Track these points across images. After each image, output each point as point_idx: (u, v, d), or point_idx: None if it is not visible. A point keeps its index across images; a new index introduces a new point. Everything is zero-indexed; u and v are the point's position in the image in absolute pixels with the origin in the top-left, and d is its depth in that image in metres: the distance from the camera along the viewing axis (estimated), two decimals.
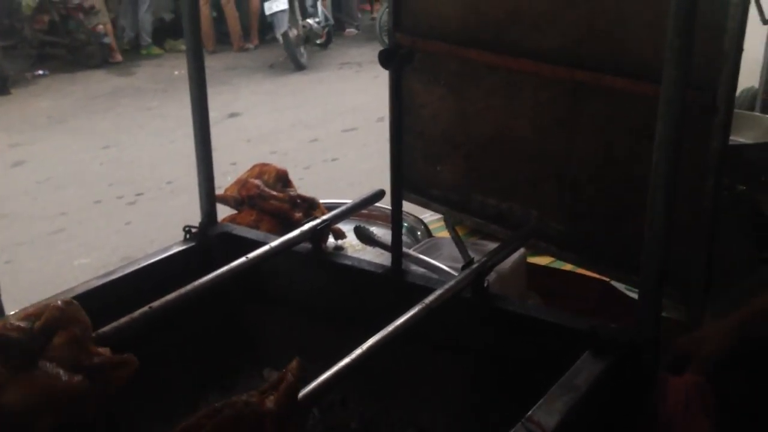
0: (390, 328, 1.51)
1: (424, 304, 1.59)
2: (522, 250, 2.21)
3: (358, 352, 1.42)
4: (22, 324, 1.24)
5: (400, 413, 1.92)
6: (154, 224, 5.27)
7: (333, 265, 1.99)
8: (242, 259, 1.83)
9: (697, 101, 1.63)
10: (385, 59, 1.71)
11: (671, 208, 1.39)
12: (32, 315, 1.28)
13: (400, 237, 1.89)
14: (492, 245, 2.13)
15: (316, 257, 2.00)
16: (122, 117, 7.90)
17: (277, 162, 2.72)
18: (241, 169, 2.63)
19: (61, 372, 1.26)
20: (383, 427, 1.90)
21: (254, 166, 2.52)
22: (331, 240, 2.27)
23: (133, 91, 8.93)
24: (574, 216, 2.35)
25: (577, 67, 2.20)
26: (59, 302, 1.30)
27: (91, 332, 1.38)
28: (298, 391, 1.23)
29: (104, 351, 1.38)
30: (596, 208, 2.30)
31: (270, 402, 1.16)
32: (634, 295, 2.25)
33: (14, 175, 6.09)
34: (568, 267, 2.40)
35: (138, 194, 5.90)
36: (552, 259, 2.45)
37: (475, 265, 1.73)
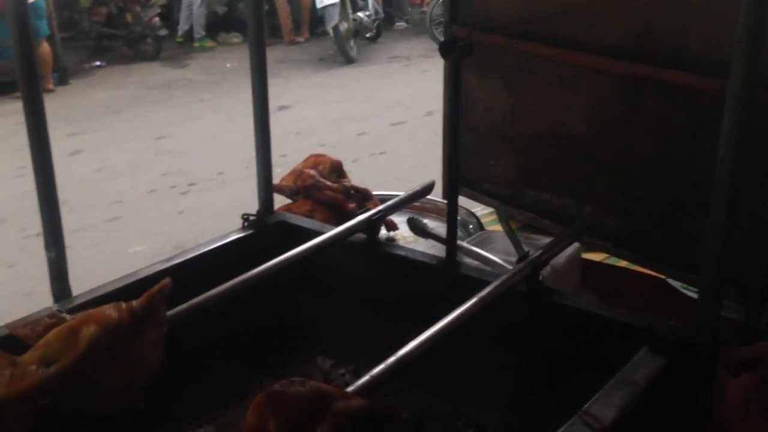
0: (444, 321, 1.52)
1: (478, 297, 1.59)
2: (576, 246, 2.19)
3: (411, 345, 1.43)
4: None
5: (450, 406, 1.92)
6: (205, 214, 5.38)
7: (387, 256, 2.00)
8: (298, 248, 1.86)
9: (764, 98, 1.59)
10: (444, 51, 1.72)
11: (734, 207, 1.36)
12: None
13: (455, 228, 1.89)
14: (545, 240, 2.12)
15: (370, 248, 2.02)
16: (176, 108, 8.07)
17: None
18: (291, 162, 2.67)
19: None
20: (434, 421, 1.91)
21: (309, 157, 2.55)
22: (383, 232, 2.29)
23: (186, 83, 9.11)
24: (630, 213, 2.32)
25: (636, 62, 2.17)
26: None
27: None
28: None
29: None
30: (653, 205, 2.27)
31: None
32: (691, 294, 2.22)
33: (72, 164, 6.28)
34: (623, 264, 2.37)
35: (190, 184, 6.02)
36: (606, 255, 2.42)
37: (530, 259, 1.72)
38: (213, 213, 5.31)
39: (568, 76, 2.39)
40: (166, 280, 1.43)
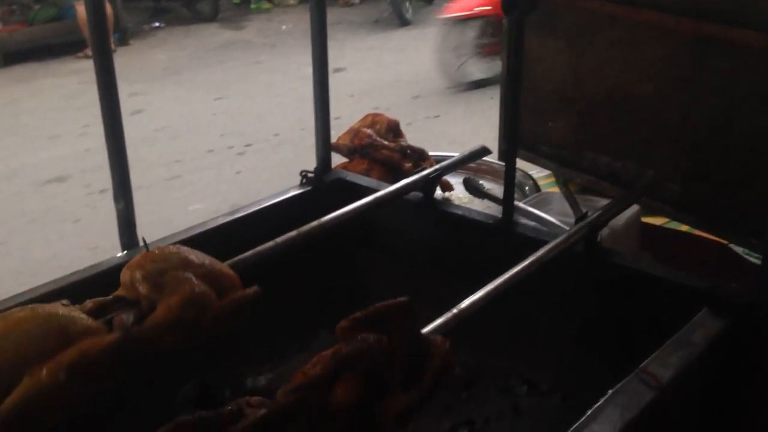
0: (499, 280, 1.52)
1: (534, 257, 1.59)
2: (636, 208, 2.16)
3: (466, 302, 1.43)
4: None
5: (504, 365, 1.94)
6: (261, 174, 5.47)
7: (443, 215, 2.01)
8: (355, 204, 1.88)
9: None
10: (507, 6, 1.69)
11: None
12: None
13: (512, 187, 1.89)
14: (604, 202, 2.10)
15: (426, 206, 2.03)
16: (233, 70, 8.16)
17: None
18: (345, 124, 2.69)
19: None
20: (487, 378, 1.93)
21: (366, 116, 2.56)
22: (438, 192, 2.29)
23: (243, 45, 9.19)
24: (692, 177, 2.27)
25: (703, 20, 2.10)
26: None
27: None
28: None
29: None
30: (716, 169, 2.21)
31: None
32: (753, 259, 2.17)
33: (133, 123, 6.42)
34: (684, 228, 2.33)
35: (247, 145, 6.11)
36: (667, 220, 2.38)
37: (588, 219, 1.71)
38: (269, 173, 5.40)
39: (632, 35, 2.33)
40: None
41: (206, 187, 5.42)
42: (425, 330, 1.36)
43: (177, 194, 5.31)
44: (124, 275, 1.35)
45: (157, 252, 1.36)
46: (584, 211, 1.76)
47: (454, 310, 1.41)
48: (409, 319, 1.26)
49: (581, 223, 1.70)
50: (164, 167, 5.67)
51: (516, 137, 1.87)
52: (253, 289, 1.49)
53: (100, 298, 1.33)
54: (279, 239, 1.71)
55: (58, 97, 7.16)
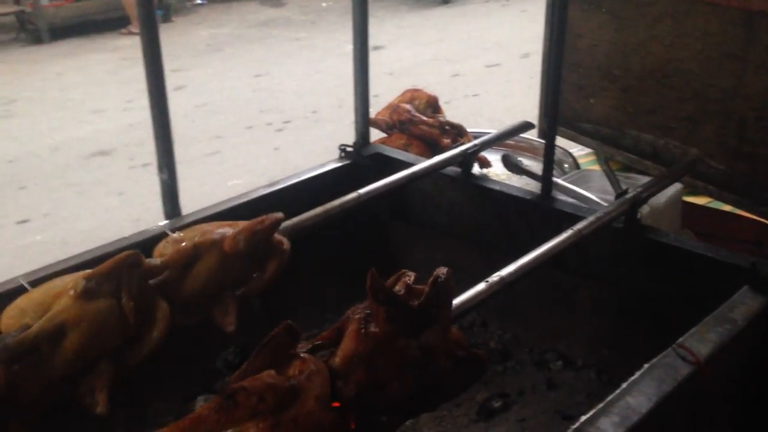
0: (537, 252, 1.51)
1: (573, 230, 1.59)
2: (678, 186, 2.13)
3: (502, 273, 1.43)
4: None
5: (539, 338, 1.94)
6: (299, 151, 5.50)
7: (480, 189, 2.01)
8: (393, 177, 1.89)
9: None
10: None
11: None
12: None
13: (552, 162, 1.87)
14: (646, 180, 2.07)
15: (464, 180, 2.03)
16: (273, 47, 8.19)
17: None
18: (383, 102, 2.69)
19: None
20: (522, 350, 1.94)
21: (406, 92, 2.56)
22: (475, 168, 2.29)
23: (283, 22, 9.20)
24: (738, 156, 2.23)
25: None
26: None
27: None
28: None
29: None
30: (762, 149, 2.17)
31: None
32: None
33: (175, 99, 6.46)
34: (727, 208, 2.29)
35: (286, 122, 6.14)
36: (710, 199, 2.34)
37: (629, 195, 1.69)
38: (307, 150, 5.42)
39: (679, 10, 2.28)
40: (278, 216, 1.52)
41: (245, 162, 5.47)
42: (459, 300, 1.35)
43: (217, 169, 5.37)
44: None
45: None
46: (625, 188, 1.74)
47: (489, 280, 1.40)
48: None
49: (622, 199, 1.69)
50: (205, 142, 5.73)
51: (557, 112, 1.86)
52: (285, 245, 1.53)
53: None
54: (317, 210, 1.73)
55: (102, 72, 7.28)
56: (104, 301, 1.28)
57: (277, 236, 1.57)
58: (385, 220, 2.19)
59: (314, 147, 5.37)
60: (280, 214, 1.58)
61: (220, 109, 6.44)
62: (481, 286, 1.39)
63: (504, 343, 1.96)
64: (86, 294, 1.26)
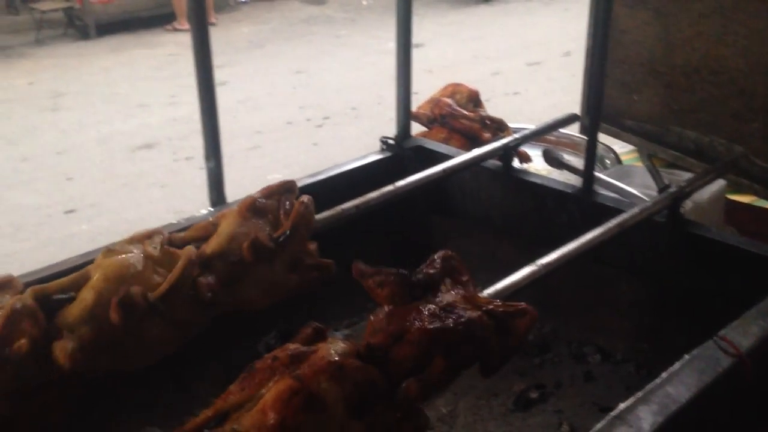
0: (577, 242, 1.51)
1: (615, 223, 1.58)
2: (722, 184, 2.11)
3: (541, 262, 1.43)
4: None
5: (578, 331, 1.94)
6: (338, 146, 5.54)
7: (521, 183, 2.02)
8: (433, 169, 1.90)
9: None
10: None
11: None
12: None
13: (594, 157, 1.87)
14: (689, 176, 2.05)
15: (504, 174, 2.04)
16: (313, 44, 8.26)
17: None
18: (422, 99, 2.70)
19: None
20: (560, 343, 1.94)
21: (447, 86, 2.57)
22: (515, 163, 2.30)
23: (324, 20, 9.28)
24: None
25: None
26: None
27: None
28: None
29: (313, 248, 1.55)
30: None
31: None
32: None
33: (218, 94, 6.60)
34: None
35: (325, 118, 6.20)
36: (754, 198, 2.31)
37: (672, 190, 1.68)
38: (346, 146, 5.46)
39: (726, 6, 2.25)
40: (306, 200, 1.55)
41: (285, 157, 5.54)
42: (494, 288, 1.35)
43: (257, 163, 5.45)
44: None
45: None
46: (667, 183, 1.74)
47: (527, 269, 1.40)
48: None
49: (665, 193, 1.68)
50: (245, 137, 5.81)
51: (601, 104, 1.85)
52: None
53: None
54: (358, 201, 1.75)
55: (147, 67, 7.43)
56: None
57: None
58: (424, 212, 2.21)
59: (353, 143, 5.41)
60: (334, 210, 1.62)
61: (261, 104, 6.53)
62: (519, 275, 1.39)
63: (542, 336, 1.96)
64: None
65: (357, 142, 5.35)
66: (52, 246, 4.10)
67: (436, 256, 1.24)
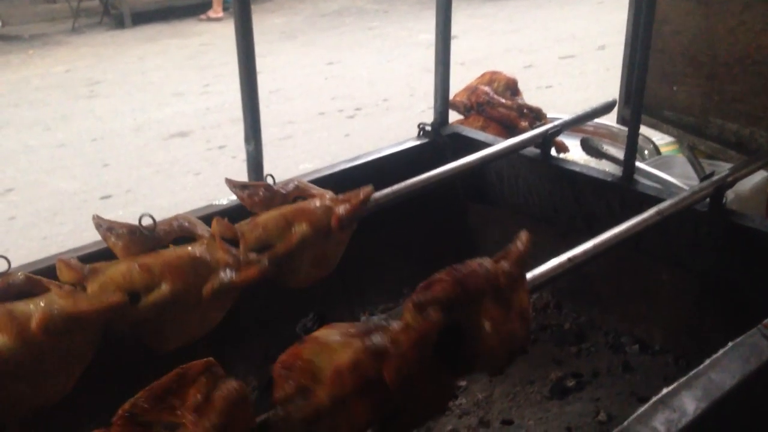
0: (616, 230, 1.49)
1: (655, 211, 1.56)
2: (764, 175, 2.07)
3: (578, 250, 1.40)
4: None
5: (615, 322, 1.93)
6: (370, 138, 5.55)
7: (559, 171, 2.01)
8: (471, 157, 1.89)
9: None
10: None
11: None
12: None
13: (635, 144, 1.85)
14: (729, 167, 2.02)
15: (543, 162, 2.03)
16: (345, 35, 8.27)
17: None
18: (454, 91, 2.68)
19: None
20: (597, 333, 1.93)
21: (485, 74, 2.56)
22: (552, 153, 2.28)
23: (356, 11, 9.29)
24: None
25: None
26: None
27: None
28: (526, 260, 1.27)
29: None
30: None
31: (502, 266, 1.23)
32: None
33: None
34: None
35: (357, 109, 6.21)
36: None
37: (715, 178, 1.66)
38: (377, 137, 5.47)
39: None
40: (369, 189, 1.55)
41: (316, 148, 5.56)
42: (532, 274, 1.34)
43: (289, 153, 5.48)
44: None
45: None
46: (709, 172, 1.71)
47: (565, 257, 1.38)
48: None
49: (707, 182, 1.66)
50: (278, 127, 5.85)
51: (643, 91, 1.83)
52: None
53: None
54: (395, 187, 1.75)
55: (181, 56, 7.51)
56: None
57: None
58: (461, 200, 2.21)
59: (385, 135, 5.42)
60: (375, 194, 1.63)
61: (293, 95, 6.56)
62: (555, 262, 1.37)
63: (579, 326, 1.95)
64: None
65: (388, 133, 5.36)
66: (88, 231, 4.16)
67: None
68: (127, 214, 4.54)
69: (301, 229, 1.48)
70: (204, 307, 1.38)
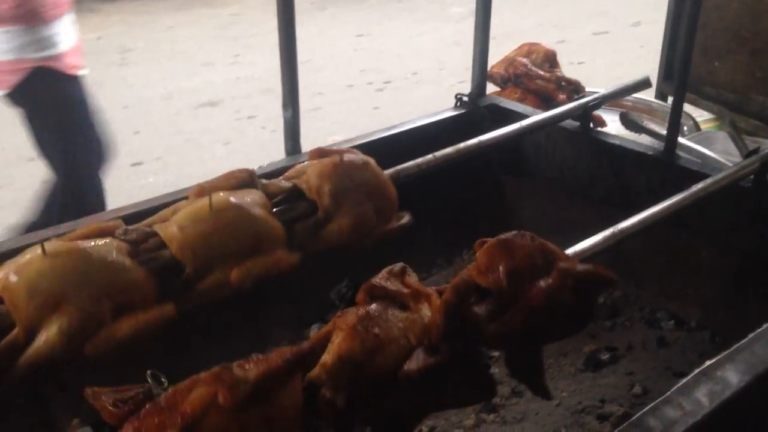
0: (657, 207, 1.48)
1: (699, 187, 1.55)
2: None
3: (618, 227, 1.39)
4: None
5: (651, 297, 1.92)
6: (399, 111, 5.53)
7: (598, 144, 1.98)
8: (508, 128, 1.88)
9: None
10: None
11: None
12: None
13: (679, 118, 1.82)
14: None
15: (582, 134, 2.00)
16: (376, 8, 8.21)
17: None
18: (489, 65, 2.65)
19: None
20: (633, 308, 1.92)
21: (523, 45, 2.53)
22: None
23: None
24: None
25: None
26: None
27: None
28: None
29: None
30: None
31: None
32: None
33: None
34: None
35: (386, 82, 6.18)
36: None
37: (761, 154, 1.63)
38: (406, 111, 5.44)
39: None
40: None
41: (345, 120, 5.55)
42: (570, 252, 1.33)
43: (318, 125, 5.47)
44: (313, 177, 1.44)
45: (345, 165, 1.47)
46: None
47: (604, 234, 1.37)
48: None
49: (752, 158, 1.63)
50: (306, 99, 5.78)
51: (689, 63, 1.79)
52: (406, 219, 1.57)
53: (283, 185, 1.45)
54: (432, 156, 1.74)
55: (212, 26, 7.51)
56: None
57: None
58: (497, 171, 2.19)
59: (414, 108, 5.38)
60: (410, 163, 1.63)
61: (322, 66, 6.53)
62: (595, 239, 1.36)
63: (613, 300, 1.94)
64: None
65: (418, 107, 5.31)
66: (120, 197, 4.20)
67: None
68: (157, 181, 4.58)
69: None
70: None
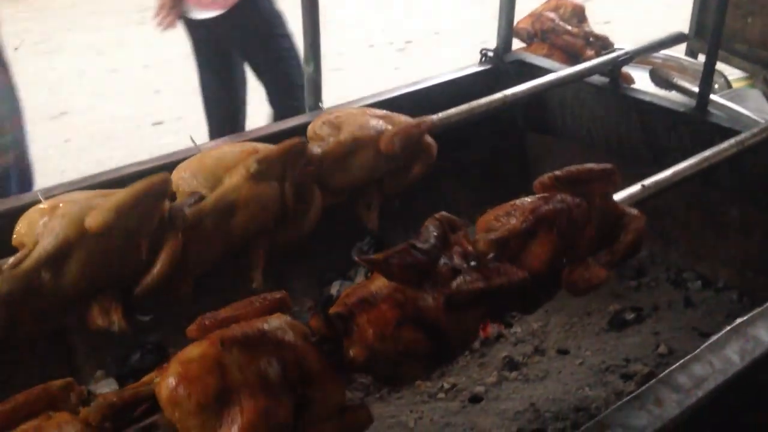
0: (687, 163, 1.43)
1: (731, 143, 1.50)
2: None
3: (645, 183, 1.35)
4: None
5: (677, 257, 1.88)
6: (420, 72, 5.41)
7: (628, 100, 1.93)
8: (534, 83, 1.83)
9: None
10: None
11: None
12: None
13: (712, 75, 1.77)
14: None
15: (611, 90, 1.95)
16: None
17: None
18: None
19: None
20: (659, 268, 1.88)
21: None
22: None
23: None
24: None
25: None
26: None
27: None
28: None
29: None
30: None
31: None
32: None
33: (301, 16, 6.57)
34: None
35: (407, 42, 6.09)
36: None
37: None
38: (428, 71, 5.34)
39: None
40: None
41: (366, 81, 5.47)
42: None
43: (338, 85, 5.37)
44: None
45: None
46: None
47: (633, 189, 1.33)
48: (609, 186, 1.24)
49: None
50: (328, 58, 5.69)
51: (725, 12, 1.72)
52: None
53: None
54: (455, 109, 1.70)
55: None
56: (271, 184, 1.33)
57: (428, 139, 1.58)
58: (522, 128, 2.15)
59: (435, 69, 5.29)
60: (433, 117, 1.58)
61: (343, 25, 6.44)
62: (621, 195, 1.32)
63: (639, 260, 1.91)
64: (257, 176, 1.31)
65: (440, 67, 5.24)
66: (142, 155, 4.22)
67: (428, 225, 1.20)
68: (178, 140, 4.56)
69: None
70: None
